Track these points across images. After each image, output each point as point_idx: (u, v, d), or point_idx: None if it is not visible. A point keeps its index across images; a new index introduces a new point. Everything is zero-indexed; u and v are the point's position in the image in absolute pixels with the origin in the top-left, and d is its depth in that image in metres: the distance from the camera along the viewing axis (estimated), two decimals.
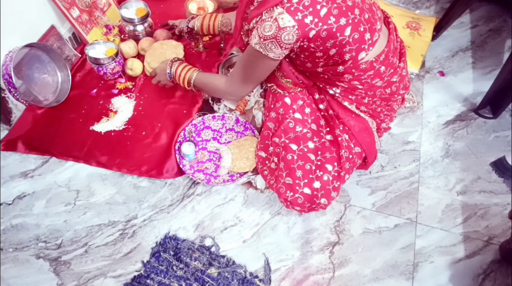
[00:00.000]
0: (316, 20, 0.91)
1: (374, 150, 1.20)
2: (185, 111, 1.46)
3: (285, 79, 1.14)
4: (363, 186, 1.34)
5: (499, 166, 1.38)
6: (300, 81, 1.14)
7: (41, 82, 1.48)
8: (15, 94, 1.38)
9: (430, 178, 1.37)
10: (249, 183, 1.33)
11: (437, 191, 1.34)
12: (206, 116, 1.43)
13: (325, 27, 0.92)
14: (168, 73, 1.34)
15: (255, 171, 1.32)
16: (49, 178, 1.35)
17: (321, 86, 1.14)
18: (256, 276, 1.16)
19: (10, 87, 1.35)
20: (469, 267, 1.18)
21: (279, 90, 1.18)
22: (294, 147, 1.13)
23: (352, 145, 1.14)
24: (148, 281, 1.14)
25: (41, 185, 1.33)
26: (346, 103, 1.13)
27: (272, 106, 1.21)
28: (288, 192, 1.11)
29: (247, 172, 1.30)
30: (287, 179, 1.12)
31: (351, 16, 0.94)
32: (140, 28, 1.62)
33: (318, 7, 0.90)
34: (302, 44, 0.96)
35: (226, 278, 1.14)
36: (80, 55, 1.62)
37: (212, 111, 1.47)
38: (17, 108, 1.46)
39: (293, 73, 1.12)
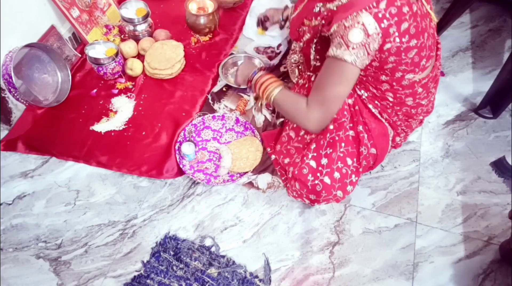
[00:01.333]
0: (396, 33, 0.88)
1: (383, 156, 1.20)
2: (185, 111, 1.46)
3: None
4: (363, 186, 1.34)
5: (499, 166, 1.37)
6: None
7: (41, 82, 1.48)
8: (15, 94, 1.38)
9: (430, 178, 1.37)
10: (250, 184, 1.33)
11: (437, 191, 1.34)
12: (206, 116, 1.43)
13: (398, 44, 0.89)
14: (254, 72, 1.17)
15: (255, 171, 1.32)
16: (49, 178, 1.35)
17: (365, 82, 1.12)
18: (256, 276, 1.16)
19: (10, 87, 1.35)
20: (469, 267, 1.18)
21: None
22: (327, 133, 1.10)
23: (369, 145, 1.14)
24: (148, 281, 1.14)
25: (41, 185, 1.33)
26: (370, 106, 1.12)
27: (306, 85, 1.17)
28: (310, 175, 1.10)
29: (247, 172, 1.30)
30: (311, 161, 1.11)
31: (421, 39, 0.92)
32: (140, 28, 1.62)
33: (403, 18, 0.87)
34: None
35: (226, 278, 1.14)
36: (80, 55, 1.62)
37: (212, 111, 1.47)
38: (17, 108, 1.46)
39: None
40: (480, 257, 1.20)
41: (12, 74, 1.32)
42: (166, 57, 1.52)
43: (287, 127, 1.25)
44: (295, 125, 1.21)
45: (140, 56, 1.62)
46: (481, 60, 1.72)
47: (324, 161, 1.10)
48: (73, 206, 1.29)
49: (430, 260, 1.20)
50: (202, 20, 1.63)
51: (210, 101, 1.50)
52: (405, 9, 0.87)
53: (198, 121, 1.42)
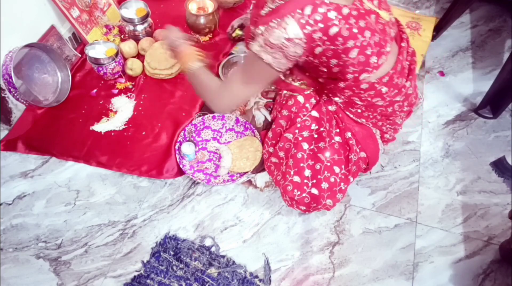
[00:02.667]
0: (325, 38, 0.89)
1: (377, 156, 1.20)
2: (185, 111, 1.46)
3: (299, 82, 1.13)
4: (363, 186, 1.34)
5: (499, 166, 1.37)
6: (312, 84, 1.13)
7: (41, 82, 1.48)
8: (15, 94, 1.38)
9: (430, 178, 1.37)
10: (249, 182, 1.33)
11: (437, 191, 1.34)
12: (206, 116, 1.43)
13: (332, 47, 0.90)
14: (180, 42, 1.15)
15: (255, 171, 1.32)
16: (49, 178, 1.35)
17: (325, 91, 1.14)
18: (256, 276, 1.16)
19: (10, 87, 1.35)
20: (469, 267, 1.18)
21: (293, 93, 1.16)
22: (305, 146, 1.12)
23: (358, 150, 1.14)
24: (148, 281, 1.14)
25: (41, 185, 1.33)
26: (347, 113, 1.12)
27: (284, 102, 1.19)
28: (295, 190, 1.11)
29: (247, 172, 1.30)
30: (295, 177, 1.12)
31: (360, 39, 0.92)
32: (140, 28, 1.62)
33: (329, 24, 0.88)
34: (307, 59, 0.95)
35: (226, 278, 1.14)
36: (80, 55, 1.62)
37: (212, 111, 1.47)
38: (17, 108, 1.46)
39: (305, 76, 1.11)
40: (480, 257, 1.20)
41: (12, 74, 1.32)
42: (166, 57, 1.52)
43: (265, 145, 1.25)
44: (274, 141, 1.21)
45: (140, 56, 1.62)
46: (481, 60, 1.72)
47: (307, 172, 1.11)
48: (73, 206, 1.29)
49: (430, 260, 1.20)
50: (202, 20, 1.63)
51: None
52: (332, 14, 0.87)
53: (198, 121, 1.42)
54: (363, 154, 1.15)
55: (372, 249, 1.22)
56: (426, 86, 1.63)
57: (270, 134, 1.24)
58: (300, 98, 1.15)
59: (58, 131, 1.42)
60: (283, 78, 1.19)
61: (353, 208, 1.30)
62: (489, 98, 1.49)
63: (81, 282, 1.15)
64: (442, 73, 1.67)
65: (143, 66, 1.56)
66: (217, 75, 1.57)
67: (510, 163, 1.35)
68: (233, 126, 1.42)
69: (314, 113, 1.14)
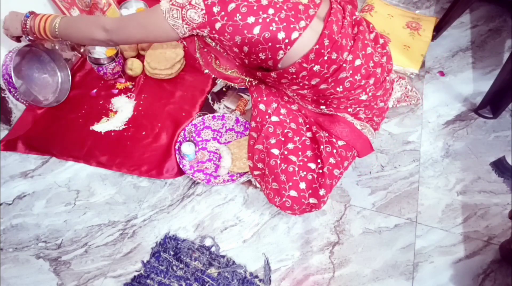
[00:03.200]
0: (223, 13, 0.93)
1: (361, 137, 1.16)
2: (185, 111, 1.46)
3: (230, 71, 1.15)
4: (363, 186, 1.34)
5: (499, 166, 1.37)
6: (245, 72, 1.15)
7: (41, 82, 1.48)
8: (15, 94, 1.38)
9: (430, 178, 1.37)
10: (249, 182, 1.33)
11: (437, 191, 1.34)
12: (206, 116, 1.43)
13: (230, 22, 0.94)
14: (26, 20, 1.20)
15: None
16: (49, 178, 1.35)
17: (280, 88, 1.14)
18: (256, 276, 1.16)
19: (10, 87, 1.35)
20: (469, 267, 1.18)
21: (230, 83, 1.19)
22: (276, 152, 1.13)
23: (334, 140, 1.13)
24: (148, 281, 1.14)
25: (41, 185, 1.33)
26: (307, 106, 1.12)
27: (252, 115, 1.21)
28: (276, 197, 1.12)
29: (247, 172, 1.30)
30: (273, 184, 1.13)
31: (262, 15, 0.94)
32: None
33: (227, 0, 0.92)
34: (211, 35, 0.98)
35: (226, 278, 1.14)
36: (80, 55, 1.62)
37: (212, 111, 1.47)
38: (17, 108, 1.46)
39: (235, 64, 1.13)
40: (480, 257, 1.20)
41: (12, 74, 1.32)
42: (166, 57, 1.52)
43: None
44: (250, 154, 1.22)
45: (140, 56, 1.62)
46: (481, 60, 1.72)
47: (283, 177, 1.11)
48: (73, 206, 1.29)
49: (430, 260, 1.20)
50: None
51: (210, 101, 1.50)
52: None
53: (198, 121, 1.42)
54: (341, 142, 1.13)
55: (372, 249, 1.22)
56: (426, 86, 1.63)
57: (246, 149, 1.26)
58: (262, 106, 1.17)
59: (58, 131, 1.42)
60: (215, 67, 1.20)
61: (353, 208, 1.30)
62: (489, 98, 1.49)
63: (81, 282, 1.15)
64: (442, 73, 1.67)
65: (143, 66, 1.56)
66: None
67: (510, 163, 1.35)
68: (233, 126, 1.42)
69: (274, 119, 1.16)
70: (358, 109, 1.17)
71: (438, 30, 1.76)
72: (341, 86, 1.07)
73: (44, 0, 1.49)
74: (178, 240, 1.21)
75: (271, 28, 0.95)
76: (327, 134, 1.13)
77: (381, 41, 1.19)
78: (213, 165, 1.36)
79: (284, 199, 1.10)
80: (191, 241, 1.21)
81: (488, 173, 1.38)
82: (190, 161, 1.36)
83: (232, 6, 0.93)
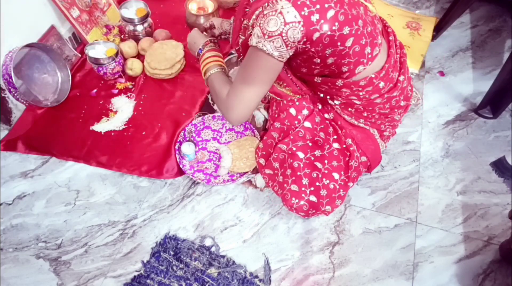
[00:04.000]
0: (322, 21, 0.84)
1: (379, 157, 1.19)
2: (185, 111, 1.46)
3: (285, 88, 1.09)
4: (363, 186, 1.34)
5: (499, 166, 1.38)
6: (298, 88, 1.09)
7: (41, 82, 1.48)
8: (15, 94, 1.38)
9: (430, 178, 1.37)
10: (249, 182, 1.33)
11: (437, 191, 1.34)
12: (206, 116, 1.43)
13: (329, 32, 0.86)
14: (200, 49, 1.18)
15: (255, 171, 1.32)
16: (49, 178, 1.35)
17: (321, 96, 1.12)
18: (256, 276, 1.16)
19: (10, 87, 1.35)
20: (469, 267, 1.19)
21: (277, 98, 1.13)
22: (301, 155, 1.11)
23: (359, 155, 1.13)
24: (148, 281, 1.14)
25: (41, 185, 1.33)
26: (345, 116, 1.12)
27: (276, 115, 1.16)
28: (293, 199, 1.11)
29: (247, 172, 1.30)
30: (292, 186, 1.11)
31: (355, 26, 0.88)
32: (140, 28, 1.62)
33: (326, 6, 0.83)
34: (304, 46, 0.89)
35: (226, 278, 1.14)
36: (80, 55, 1.62)
37: (212, 111, 1.47)
38: (17, 108, 1.46)
39: (292, 81, 1.07)
40: (480, 257, 1.20)
41: (12, 74, 1.32)
42: (166, 57, 1.52)
43: (256, 156, 1.25)
44: (264, 152, 1.20)
45: (140, 56, 1.62)
46: (481, 60, 1.72)
47: (305, 181, 1.10)
48: (73, 206, 1.29)
49: (430, 260, 1.20)
50: (202, 20, 1.63)
51: (210, 101, 1.50)
52: None
53: (198, 121, 1.42)
54: (363, 159, 1.15)
55: (372, 249, 1.22)
56: (426, 86, 1.63)
57: (261, 145, 1.22)
58: (292, 111, 1.12)
59: (58, 131, 1.42)
60: None
61: (353, 208, 1.30)
62: (489, 98, 1.49)
63: (81, 282, 1.15)
64: (442, 73, 1.67)
65: (143, 66, 1.56)
66: None
67: (510, 163, 1.35)
68: (233, 126, 1.42)
69: (307, 124, 1.12)
70: (388, 126, 1.19)
71: (438, 30, 1.77)
72: (389, 104, 1.08)
73: (44, 0, 1.49)
74: (178, 240, 1.21)
75: (361, 41, 0.90)
76: (355, 148, 1.13)
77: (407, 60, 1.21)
78: (213, 165, 1.36)
79: (302, 202, 1.10)
80: (191, 241, 1.21)
81: (488, 173, 1.38)
82: (190, 161, 1.36)
83: (331, 13, 0.84)
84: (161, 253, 1.18)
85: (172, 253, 1.18)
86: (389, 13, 1.84)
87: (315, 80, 1.03)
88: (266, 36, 0.85)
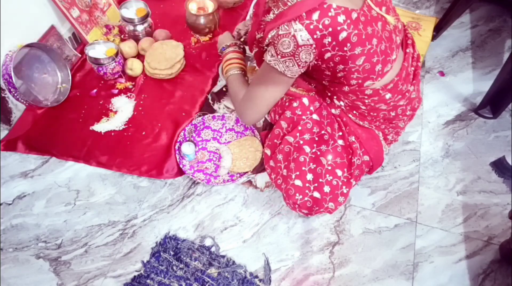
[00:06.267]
0: (334, 43, 0.87)
1: (381, 158, 1.19)
2: (185, 111, 1.46)
3: (297, 89, 1.12)
4: (363, 186, 1.34)
5: (499, 166, 1.38)
6: (313, 86, 1.11)
7: (41, 82, 1.48)
8: (15, 94, 1.38)
9: (430, 178, 1.37)
10: (249, 182, 1.33)
11: (437, 191, 1.34)
12: (206, 116, 1.43)
13: (340, 53, 0.89)
14: (223, 47, 1.28)
15: (255, 171, 1.32)
16: (49, 178, 1.35)
17: (329, 94, 1.13)
18: (256, 276, 1.16)
19: (10, 87, 1.35)
20: (469, 267, 1.19)
21: (290, 98, 1.15)
22: (307, 149, 1.10)
23: (361, 154, 1.14)
24: (148, 281, 1.14)
25: (41, 185, 1.33)
26: (350, 116, 1.12)
27: (287, 104, 1.15)
28: (297, 194, 1.10)
29: (247, 172, 1.30)
30: (296, 181, 1.10)
31: (367, 46, 0.90)
32: (140, 28, 1.62)
33: (339, 28, 0.86)
34: (316, 63, 0.94)
35: (226, 278, 1.14)
36: (80, 55, 1.62)
37: (212, 111, 1.47)
38: (17, 108, 1.46)
39: (305, 82, 1.10)
40: (480, 257, 1.20)
41: (12, 74, 1.32)
42: (166, 57, 1.52)
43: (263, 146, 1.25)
44: (270, 143, 1.20)
45: (140, 56, 1.62)
46: (481, 60, 1.72)
47: (309, 176, 1.09)
48: (73, 206, 1.29)
49: (430, 260, 1.20)
50: (202, 20, 1.63)
51: (210, 101, 1.50)
52: (341, 18, 0.86)
53: (198, 121, 1.42)
54: (366, 158, 1.15)
55: (372, 249, 1.22)
56: (426, 86, 1.63)
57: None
58: (305, 100, 1.13)
59: (58, 131, 1.42)
60: None
61: (353, 208, 1.30)
62: (489, 98, 1.49)
63: (81, 282, 1.15)
64: (442, 73, 1.67)
65: (143, 66, 1.56)
66: (217, 75, 1.58)
67: (510, 163, 1.35)
68: (233, 126, 1.42)
69: (315, 116, 1.12)
70: (392, 132, 1.19)
71: (438, 30, 1.76)
72: (394, 112, 1.09)
73: (44, 0, 1.49)
74: (178, 240, 1.21)
75: (372, 60, 0.93)
76: (358, 146, 1.13)
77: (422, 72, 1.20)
78: (213, 165, 1.36)
79: (306, 198, 1.09)
80: (191, 241, 1.21)
81: (488, 173, 1.38)
82: (190, 161, 1.36)
83: (343, 35, 0.87)
84: (161, 253, 1.18)
85: (172, 253, 1.18)
86: None
87: (324, 82, 1.06)
88: (279, 56, 0.91)
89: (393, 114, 1.10)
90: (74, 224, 1.25)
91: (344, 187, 1.11)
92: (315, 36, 0.86)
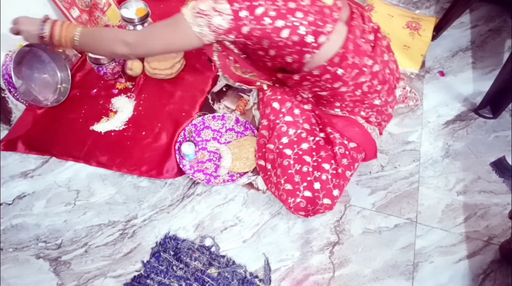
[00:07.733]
0: (251, 17, 0.92)
1: (372, 141, 1.18)
2: (185, 111, 1.46)
3: (249, 74, 1.14)
4: (363, 186, 1.34)
5: (499, 166, 1.38)
6: (274, 79, 1.13)
7: (41, 82, 1.48)
8: (15, 94, 1.37)
9: (430, 178, 1.37)
10: (250, 185, 1.33)
11: (437, 191, 1.34)
12: (206, 116, 1.43)
13: (258, 26, 0.92)
14: (42, 27, 1.14)
15: (255, 171, 1.32)
16: (49, 178, 1.35)
17: (294, 89, 1.14)
18: (256, 276, 1.16)
19: (10, 87, 1.35)
20: (469, 267, 1.19)
21: (247, 86, 1.18)
22: (288, 152, 1.12)
23: (346, 141, 1.13)
24: (148, 281, 1.14)
25: (41, 185, 1.33)
26: (321, 107, 1.12)
27: (263, 113, 1.20)
28: (289, 198, 1.11)
29: (247, 172, 1.30)
30: (286, 185, 1.12)
31: (290, 18, 0.93)
32: (140, 28, 1.62)
33: (256, 3, 0.91)
34: (237, 39, 0.96)
35: (226, 278, 1.14)
36: (80, 55, 1.62)
37: (212, 111, 1.47)
38: (17, 108, 1.46)
39: (255, 67, 1.12)
40: (480, 257, 1.20)
41: (12, 74, 1.32)
42: (166, 57, 1.52)
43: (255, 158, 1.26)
44: (260, 154, 1.21)
45: None
46: (481, 60, 1.72)
47: (297, 178, 1.10)
48: (73, 206, 1.29)
49: (430, 260, 1.20)
50: None
51: (210, 101, 1.50)
52: None
53: (198, 121, 1.42)
54: (352, 145, 1.14)
55: (372, 249, 1.22)
56: (426, 86, 1.63)
57: (255, 146, 1.25)
58: (276, 105, 1.15)
59: (58, 131, 1.42)
60: (233, 70, 1.20)
61: (353, 208, 1.30)
62: (489, 98, 1.49)
63: (81, 282, 1.15)
64: (442, 73, 1.67)
65: (143, 66, 1.56)
66: (217, 75, 1.57)
67: (510, 163, 1.35)
68: (233, 126, 1.42)
69: (288, 118, 1.14)
70: (370, 113, 1.18)
71: (438, 30, 1.76)
72: (359, 90, 1.08)
73: (44, 0, 1.49)
74: (178, 240, 1.21)
75: (299, 31, 0.95)
76: (339, 136, 1.13)
77: (385, 43, 1.19)
78: (213, 165, 1.36)
79: (298, 200, 1.10)
80: (191, 241, 1.21)
81: (488, 173, 1.38)
82: (190, 161, 1.36)
83: (260, 10, 0.92)
84: (161, 253, 1.18)
85: (172, 253, 1.18)
86: (389, 13, 1.84)
87: (278, 76, 1.08)
88: (194, 11, 0.95)
89: (358, 93, 1.09)
90: (74, 224, 1.25)
91: (335, 179, 1.11)
92: (233, 7, 0.92)
